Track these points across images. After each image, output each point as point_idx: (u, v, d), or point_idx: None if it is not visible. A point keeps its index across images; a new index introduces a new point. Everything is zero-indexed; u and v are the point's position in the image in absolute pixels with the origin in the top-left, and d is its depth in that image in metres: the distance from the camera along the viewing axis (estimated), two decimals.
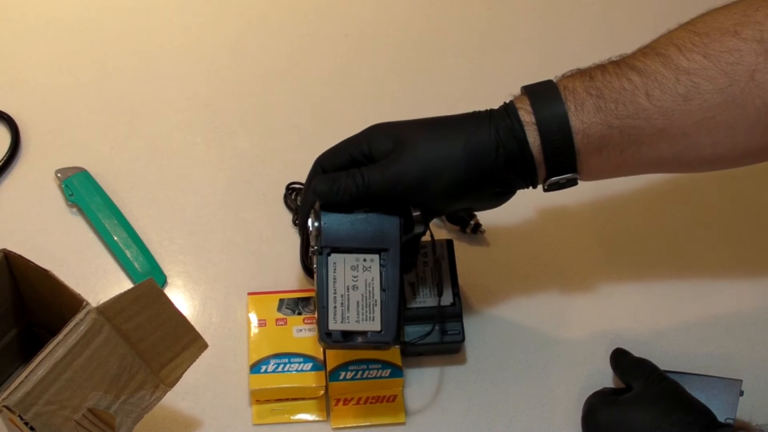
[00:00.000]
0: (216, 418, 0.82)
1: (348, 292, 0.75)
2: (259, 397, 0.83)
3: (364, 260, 0.75)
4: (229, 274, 0.90)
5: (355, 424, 0.83)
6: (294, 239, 0.92)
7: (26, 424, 0.66)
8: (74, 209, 0.93)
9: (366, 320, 0.75)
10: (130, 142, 0.98)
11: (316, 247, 0.75)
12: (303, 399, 0.83)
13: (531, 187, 0.78)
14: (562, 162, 0.74)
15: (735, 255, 0.93)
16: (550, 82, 0.75)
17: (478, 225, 0.92)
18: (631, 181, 0.97)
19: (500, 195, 0.78)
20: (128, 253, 0.89)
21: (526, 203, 0.95)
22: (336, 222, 0.75)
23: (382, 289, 0.75)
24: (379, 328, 0.75)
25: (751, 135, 0.73)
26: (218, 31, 1.07)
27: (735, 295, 0.91)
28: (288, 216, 0.94)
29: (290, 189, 0.95)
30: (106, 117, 0.99)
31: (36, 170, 0.95)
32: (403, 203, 0.75)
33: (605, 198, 0.97)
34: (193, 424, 0.82)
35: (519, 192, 0.96)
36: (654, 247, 0.93)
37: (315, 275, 0.76)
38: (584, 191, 0.96)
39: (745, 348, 0.88)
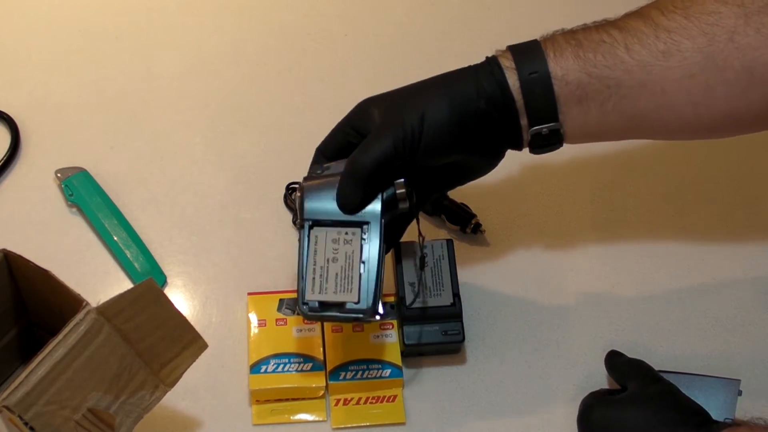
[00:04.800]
0: (216, 418, 0.82)
1: (327, 264, 0.76)
2: (259, 397, 0.83)
3: (346, 233, 0.76)
4: (229, 274, 0.90)
5: (355, 424, 0.83)
6: (294, 239, 0.92)
7: (26, 424, 0.66)
8: (74, 209, 0.93)
9: (344, 291, 0.75)
10: (130, 142, 0.98)
11: (299, 220, 0.77)
12: (303, 399, 0.83)
13: (517, 148, 0.78)
14: (542, 108, 0.75)
15: (735, 255, 0.93)
16: (532, 39, 0.77)
17: (478, 225, 0.92)
18: (631, 182, 0.97)
19: (487, 152, 0.79)
20: (128, 253, 0.89)
21: (527, 203, 0.96)
22: (319, 196, 0.76)
23: (362, 262, 0.76)
24: (356, 299, 0.75)
25: (729, 98, 0.74)
26: (218, 31, 1.07)
27: (734, 295, 0.91)
28: (288, 216, 0.94)
29: (290, 189, 0.95)
30: (106, 117, 1.00)
31: (36, 170, 0.95)
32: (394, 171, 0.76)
33: (605, 199, 0.97)
34: (193, 424, 0.82)
35: (520, 191, 0.96)
36: (654, 248, 0.93)
37: (298, 247, 0.76)
38: (584, 192, 0.97)
39: (744, 348, 0.88)
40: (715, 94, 0.74)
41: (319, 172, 0.78)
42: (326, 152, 0.80)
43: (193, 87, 1.02)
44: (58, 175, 0.94)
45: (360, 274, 0.76)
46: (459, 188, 0.85)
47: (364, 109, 0.78)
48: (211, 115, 1.01)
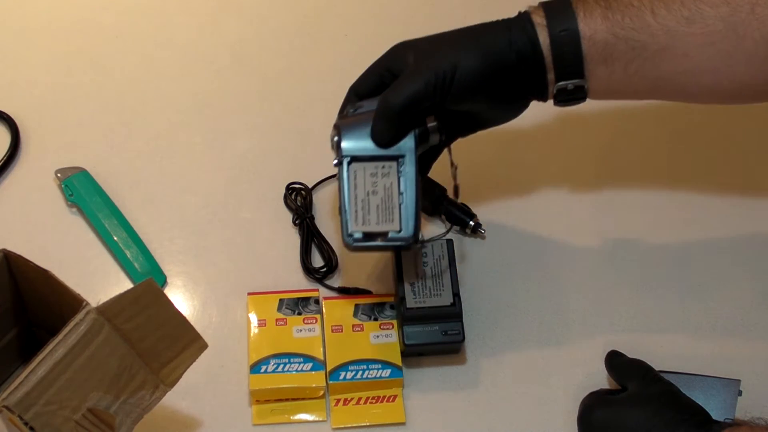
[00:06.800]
0: (216, 418, 0.82)
1: (368, 196, 0.80)
2: (259, 397, 0.83)
3: (383, 167, 0.80)
4: (229, 274, 0.90)
5: (355, 424, 0.83)
6: (294, 239, 0.92)
7: (26, 424, 0.66)
8: (74, 209, 0.93)
9: (386, 221, 0.80)
10: (130, 142, 0.98)
11: (335, 158, 0.80)
12: (303, 399, 0.83)
13: (542, 100, 0.81)
14: (569, 65, 0.78)
15: (735, 255, 0.93)
16: None
17: (478, 225, 0.92)
18: (631, 183, 0.97)
19: (514, 101, 0.82)
20: (128, 253, 0.89)
21: (527, 203, 0.96)
22: (354, 133, 0.80)
23: (400, 193, 0.80)
24: (398, 228, 0.80)
25: (749, 66, 0.77)
26: (218, 31, 1.07)
27: (734, 295, 0.91)
28: (288, 216, 0.94)
29: (290, 189, 0.95)
30: (106, 117, 1.00)
31: (36, 170, 0.95)
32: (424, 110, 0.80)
33: (605, 199, 0.97)
34: (193, 424, 0.82)
35: (520, 191, 0.96)
36: (654, 248, 0.93)
37: (338, 185, 0.80)
38: (585, 191, 0.97)
39: (744, 348, 0.88)
40: (735, 62, 0.76)
41: (351, 111, 0.81)
42: (359, 92, 0.83)
43: (193, 87, 1.02)
44: (58, 175, 0.94)
45: (399, 205, 0.79)
46: (459, 188, 0.85)
47: (399, 51, 0.81)
48: (211, 115, 1.01)
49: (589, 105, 0.93)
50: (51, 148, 0.97)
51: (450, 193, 0.88)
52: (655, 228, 0.95)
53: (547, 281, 0.91)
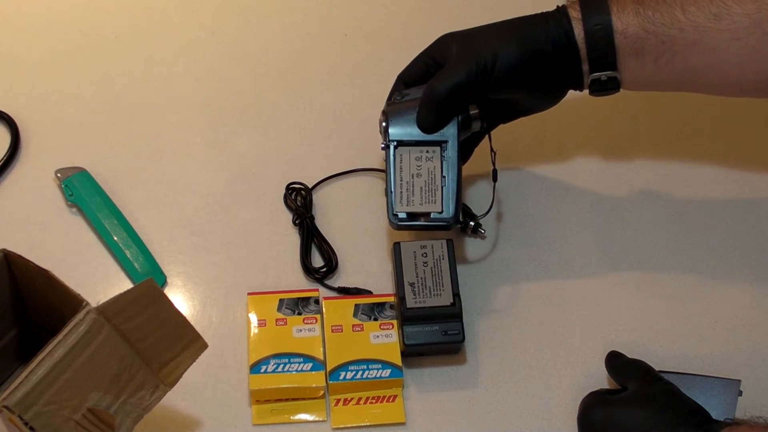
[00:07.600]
0: (216, 418, 0.82)
1: (412, 179, 0.85)
2: (259, 397, 0.83)
3: (427, 152, 0.85)
4: (229, 274, 0.90)
5: (355, 424, 0.83)
6: (294, 239, 0.92)
7: (26, 424, 0.66)
8: (74, 209, 0.93)
9: (428, 202, 0.84)
10: (130, 142, 0.98)
11: (384, 143, 0.86)
12: (303, 399, 0.83)
13: (578, 89, 0.86)
14: (602, 57, 0.82)
15: (735, 255, 0.93)
16: None
17: (478, 225, 0.92)
18: (630, 183, 0.97)
19: (552, 91, 0.87)
20: (128, 253, 0.89)
21: (526, 203, 0.96)
22: (401, 120, 0.85)
23: (443, 176, 0.85)
24: (440, 209, 0.84)
25: None
26: (218, 31, 1.07)
27: (735, 295, 0.91)
28: (288, 216, 0.94)
29: (290, 189, 0.95)
30: (106, 117, 1.00)
31: (36, 170, 0.95)
32: (465, 98, 0.85)
33: (605, 199, 0.97)
34: (193, 424, 0.82)
35: (519, 191, 0.96)
36: (654, 248, 0.93)
37: (386, 167, 0.86)
38: (585, 191, 0.97)
39: (744, 348, 0.88)
40: (760, 58, 0.80)
41: (398, 98, 0.86)
42: (407, 79, 0.88)
43: (193, 87, 1.02)
44: (58, 175, 0.94)
45: (442, 187, 0.84)
46: (497, 173, 0.89)
47: (444, 42, 0.86)
48: (211, 115, 1.01)
49: (592, 111, 0.94)
50: (51, 148, 0.97)
51: (489, 177, 0.90)
52: (655, 228, 0.95)
53: (547, 281, 0.91)
